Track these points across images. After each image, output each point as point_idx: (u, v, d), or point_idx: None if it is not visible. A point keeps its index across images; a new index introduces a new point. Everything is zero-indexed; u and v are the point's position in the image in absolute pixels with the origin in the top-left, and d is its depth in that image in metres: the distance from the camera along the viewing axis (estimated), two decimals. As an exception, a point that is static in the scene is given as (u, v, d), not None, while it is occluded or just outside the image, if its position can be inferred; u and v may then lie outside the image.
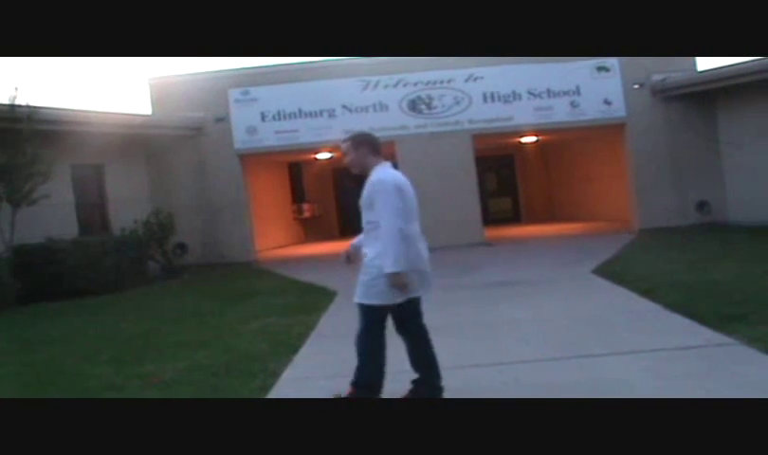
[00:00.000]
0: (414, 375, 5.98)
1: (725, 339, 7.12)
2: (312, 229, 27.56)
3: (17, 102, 14.74)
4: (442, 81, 20.27)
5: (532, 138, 24.35)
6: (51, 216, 15.72)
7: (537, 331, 8.41)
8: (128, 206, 18.78)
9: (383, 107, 20.25)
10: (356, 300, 5.78)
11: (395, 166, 6.24)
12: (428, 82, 20.24)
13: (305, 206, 27.28)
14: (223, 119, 20.36)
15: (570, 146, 26.26)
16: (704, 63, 19.70)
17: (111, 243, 16.38)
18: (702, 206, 20.06)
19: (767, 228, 17.07)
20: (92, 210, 18.43)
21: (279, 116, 20.32)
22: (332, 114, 20.29)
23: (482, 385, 6.31)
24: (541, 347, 7.53)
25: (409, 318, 5.96)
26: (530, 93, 20.25)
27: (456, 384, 6.36)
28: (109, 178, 18.92)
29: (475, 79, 20.17)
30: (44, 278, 14.50)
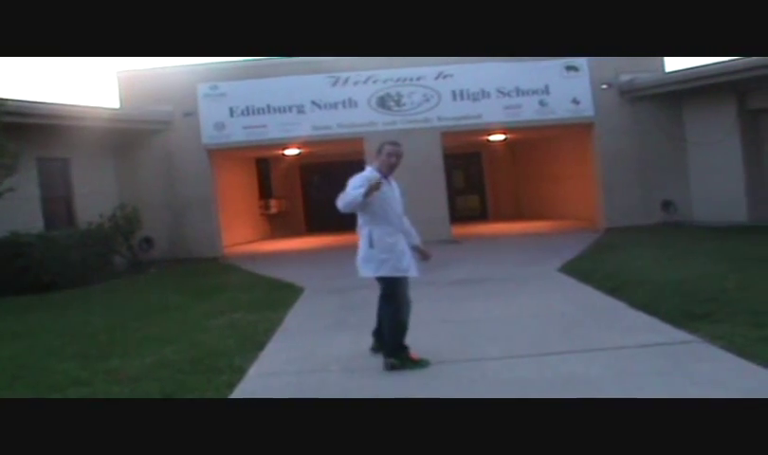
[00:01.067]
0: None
1: (689, 337, 7.22)
2: (279, 225, 27.50)
3: (-17, 95, 14.59)
4: (411, 79, 20.31)
5: (500, 136, 24.43)
6: (17, 210, 15.55)
7: (503, 328, 8.47)
8: (95, 200, 18.64)
9: (352, 104, 20.25)
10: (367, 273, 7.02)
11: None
12: (397, 80, 20.27)
13: (273, 202, 27.19)
14: (191, 114, 20.23)
15: (538, 145, 26.39)
16: (672, 64, 19.90)
17: (77, 237, 16.28)
18: (667, 205, 20.27)
19: (731, 228, 17.30)
20: (58, 204, 18.26)
21: (247, 111, 20.24)
22: (301, 110, 20.25)
23: (448, 381, 6.35)
24: (508, 344, 7.58)
25: None
26: (499, 91, 20.33)
27: (422, 380, 6.42)
28: (76, 172, 18.74)
29: (445, 76, 20.22)
30: (9, 272, 14.39)
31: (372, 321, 7.40)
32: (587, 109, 20.42)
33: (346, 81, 20.21)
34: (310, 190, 28.98)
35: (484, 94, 20.34)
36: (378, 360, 6.89)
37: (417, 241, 7.31)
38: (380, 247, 6.87)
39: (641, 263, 12.69)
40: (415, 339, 6.94)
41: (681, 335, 7.36)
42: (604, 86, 20.33)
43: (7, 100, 14.78)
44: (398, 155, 7.00)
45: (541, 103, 20.31)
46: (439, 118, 20.36)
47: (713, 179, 19.41)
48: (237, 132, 20.31)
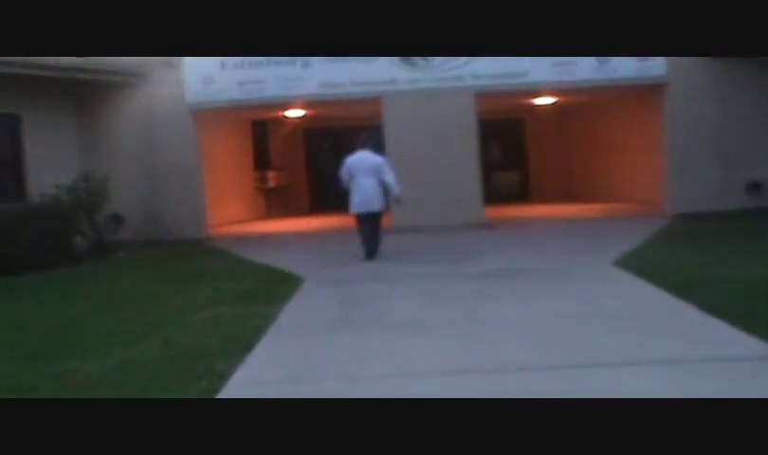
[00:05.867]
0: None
1: (771, 351, 7.17)
2: (277, 202, 27.51)
3: None
4: (441, 26, 20.17)
5: (549, 100, 24.27)
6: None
7: (543, 332, 8.46)
8: (51, 167, 18.57)
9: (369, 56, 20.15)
10: (378, 209, 14.64)
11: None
12: (424, 27, 20.13)
13: (270, 174, 27.15)
14: (173, 65, 20.13)
15: (595, 110, 26.24)
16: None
17: (28, 212, 16.28)
18: (754, 187, 19.94)
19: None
20: (4, 171, 18.28)
21: (242, 63, 20.09)
22: (307, 63, 20.04)
23: (472, 395, 6.31)
24: (548, 352, 7.55)
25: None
26: (549, 44, 20.18)
27: (442, 392, 6.39)
28: (27, 132, 18.68)
29: (482, 24, 20.07)
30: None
31: (379, 316, 9.59)
32: (657, 67, 20.06)
33: (361, 28, 20.10)
34: (316, 160, 28.96)
35: (530, 47, 20.20)
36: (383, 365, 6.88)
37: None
38: None
39: (716, 257, 12.64)
40: (437, 345, 6.94)
41: (761, 347, 7.31)
42: (679, 39, 20.12)
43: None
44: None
45: (601, 59, 20.09)
46: (473, 76, 20.17)
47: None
48: (229, 88, 20.20)
